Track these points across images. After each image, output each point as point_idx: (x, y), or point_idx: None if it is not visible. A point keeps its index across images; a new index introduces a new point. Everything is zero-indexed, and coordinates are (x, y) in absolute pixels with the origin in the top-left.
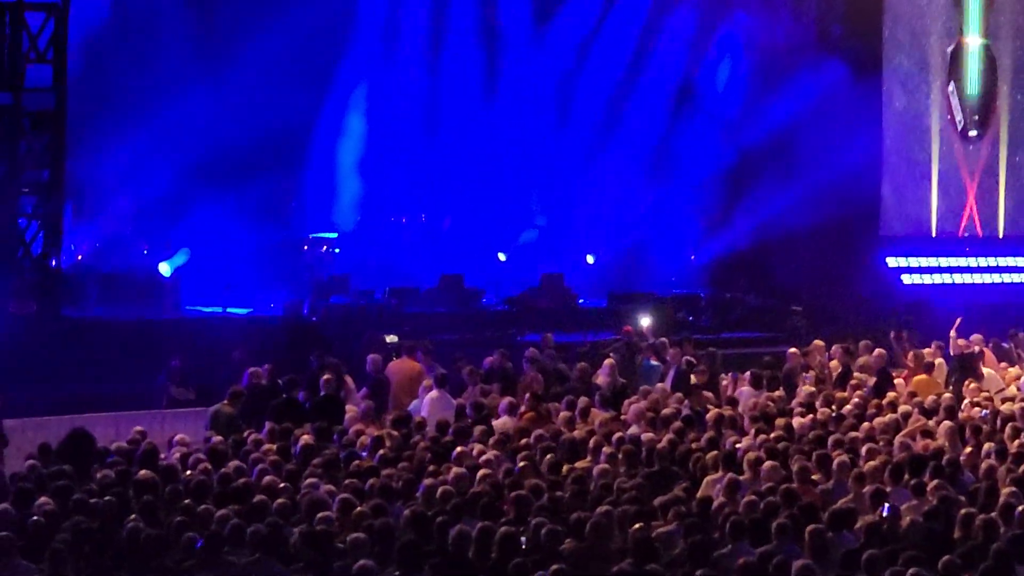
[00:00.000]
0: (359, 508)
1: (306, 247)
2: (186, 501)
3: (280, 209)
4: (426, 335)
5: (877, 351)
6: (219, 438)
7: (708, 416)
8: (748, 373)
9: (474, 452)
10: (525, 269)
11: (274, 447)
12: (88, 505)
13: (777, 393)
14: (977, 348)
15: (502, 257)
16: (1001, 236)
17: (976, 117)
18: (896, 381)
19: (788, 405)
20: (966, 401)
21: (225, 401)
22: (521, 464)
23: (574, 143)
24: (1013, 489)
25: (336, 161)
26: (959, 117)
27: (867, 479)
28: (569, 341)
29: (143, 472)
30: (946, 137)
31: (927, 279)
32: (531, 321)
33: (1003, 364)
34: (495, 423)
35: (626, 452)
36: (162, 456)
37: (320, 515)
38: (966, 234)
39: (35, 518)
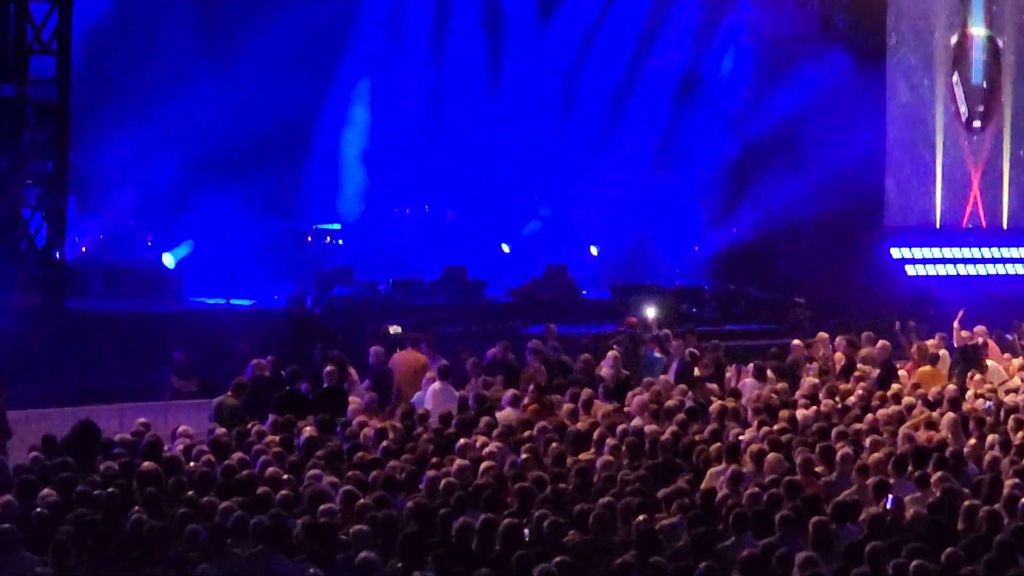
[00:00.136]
0: (362, 500)
1: (309, 239)
2: (189, 493)
3: (284, 201)
4: (429, 327)
5: (881, 343)
6: (222, 430)
7: (711, 408)
8: (751, 365)
9: (477, 444)
10: (529, 261)
11: (277, 439)
12: (92, 497)
13: (781, 385)
14: (981, 339)
15: (506, 249)
16: (1005, 227)
17: (980, 108)
18: (900, 373)
19: (792, 397)
20: (970, 393)
21: (229, 393)
22: (524, 456)
23: (578, 134)
24: (1017, 481)
25: (340, 153)
26: (963, 108)
27: (871, 471)
28: (573, 333)
29: (147, 464)
30: (950, 128)
31: (931, 270)
32: (534, 313)
33: (1007, 355)
34: (498, 415)
35: (629, 444)
36: (166, 448)
37: (323, 507)
38: (970, 225)
39: (39, 510)
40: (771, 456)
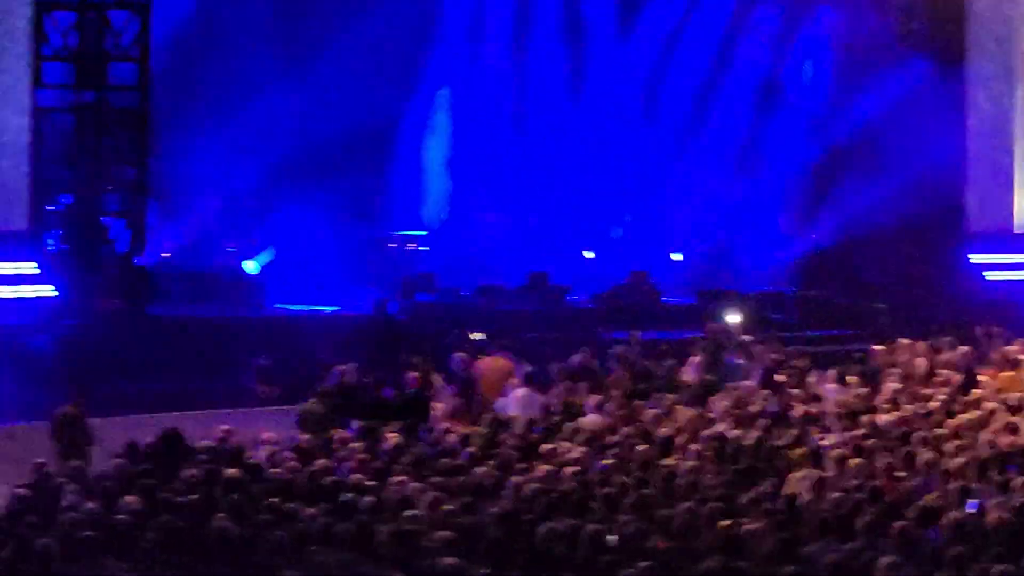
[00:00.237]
0: (447, 506)
1: (393, 245)
2: (273, 499)
3: (366, 207)
4: (513, 333)
5: (962, 348)
6: (306, 436)
7: (794, 413)
8: (834, 370)
9: (562, 450)
10: (612, 266)
11: (362, 445)
12: (175, 504)
13: (863, 390)
14: None
15: (589, 254)
16: None
17: None
18: (981, 378)
19: (873, 402)
20: None
21: (313, 399)
22: (609, 462)
23: (660, 140)
24: None
25: (423, 159)
26: None
27: (953, 476)
28: (655, 338)
29: (230, 470)
30: None
31: (1011, 276)
32: (617, 319)
33: None
34: (582, 421)
35: (713, 449)
36: (249, 454)
37: (408, 513)
38: None
39: (122, 517)
40: (854, 461)
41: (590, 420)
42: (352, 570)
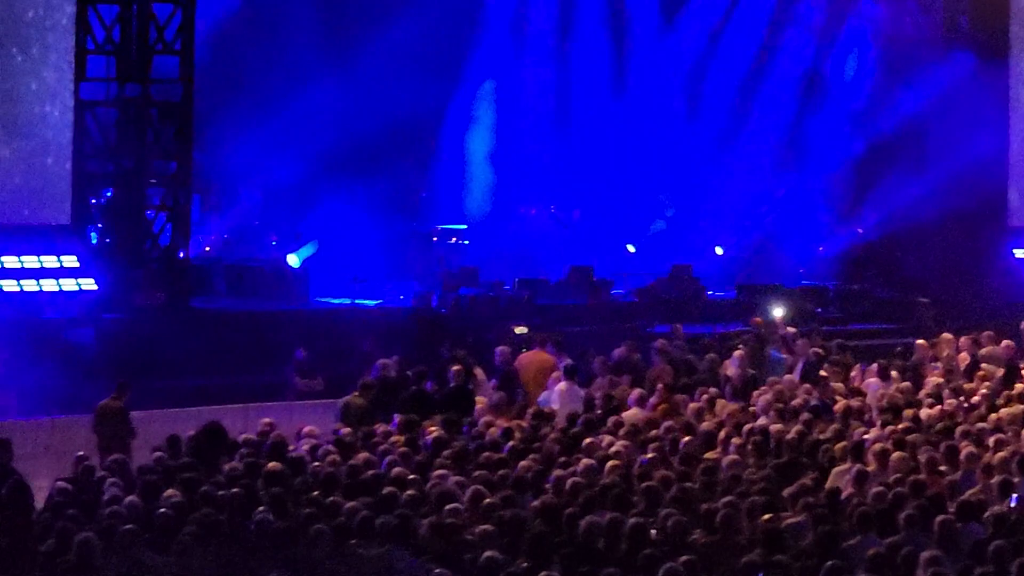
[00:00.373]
0: (489, 500)
1: (435, 238)
2: (315, 493)
3: (409, 200)
4: (555, 326)
5: (1005, 342)
6: (347, 429)
7: (836, 407)
8: (876, 364)
9: (604, 443)
10: (654, 260)
11: (403, 439)
12: (216, 497)
13: (905, 384)
14: None
15: (631, 248)
16: None
17: None
18: None
19: (916, 396)
20: None
21: (356, 393)
22: (651, 455)
23: (703, 134)
24: None
25: (465, 152)
26: None
27: (995, 470)
28: (698, 332)
29: (272, 464)
30: None
31: None
32: (660, 312)
33: None
34: (625, 414)
35: (755, 443)
36: (291, 448)
37: (449, 507)
38: None
39: (163, 510)
40: (895, 455)
41: (632, 414)
42: (393, 564)
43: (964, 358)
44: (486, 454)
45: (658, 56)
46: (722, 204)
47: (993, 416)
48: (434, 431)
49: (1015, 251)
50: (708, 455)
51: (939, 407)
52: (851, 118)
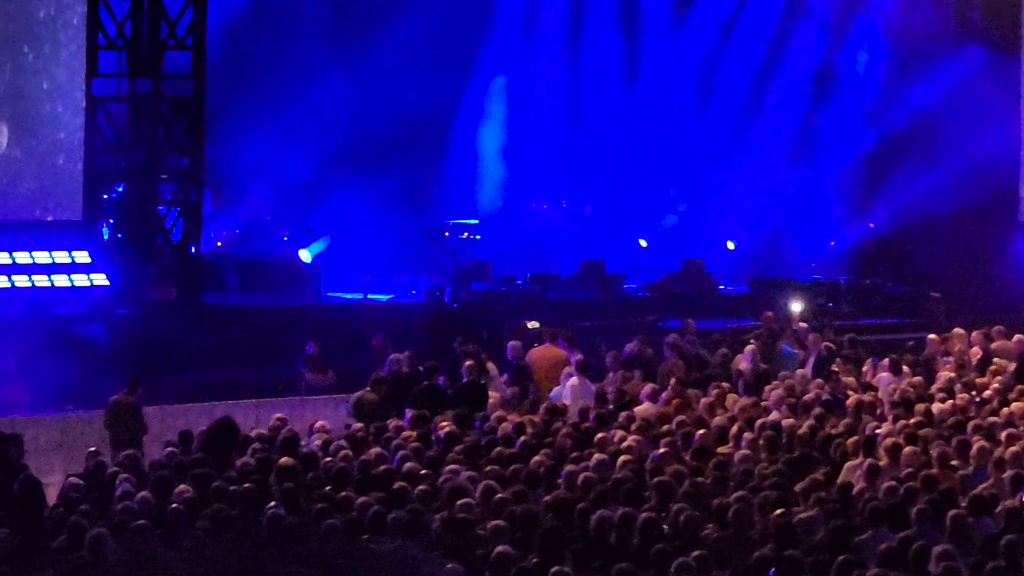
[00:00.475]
0: (500, 495)
1: (447, 233)
2: (327, 488)
3: (421, 195)
4: (567, 321)
5: (1017, 337)
6: (359, 425)
7: (848, 402)
8: (888, 359)
9: (616, 438)
10: (666, 255)
11: (415, 434)
12: (228, 493)
13: (916, 379)
14: None
15: (643, 243)
16: None
17: None
18: None
19: (927, 391)
20: None
21: (368, 388)
22: (662, 450)
23: (714, 128)
24: None
25: (477, 147)
26: None
27: (1007, 464)
28: (710, 327)
29: (284, 459)
30: None
31: None
32: (672, 307)
33: None
34: (637, 409)
35: (767, 438)
36: (303, 443)
37: (461, 502)
38: None
39: (175, 506)
40: (907, 450)
41: (644, 409)
42: (405, 559)
43: (976, 352)
44: (498, 449)
45: (669, 51)
46: (734, 199)
47: (1005, 410)
48: (446, 426)
49: None
50: (720, 450)
51: (951, 402)
52: (863, 113)
